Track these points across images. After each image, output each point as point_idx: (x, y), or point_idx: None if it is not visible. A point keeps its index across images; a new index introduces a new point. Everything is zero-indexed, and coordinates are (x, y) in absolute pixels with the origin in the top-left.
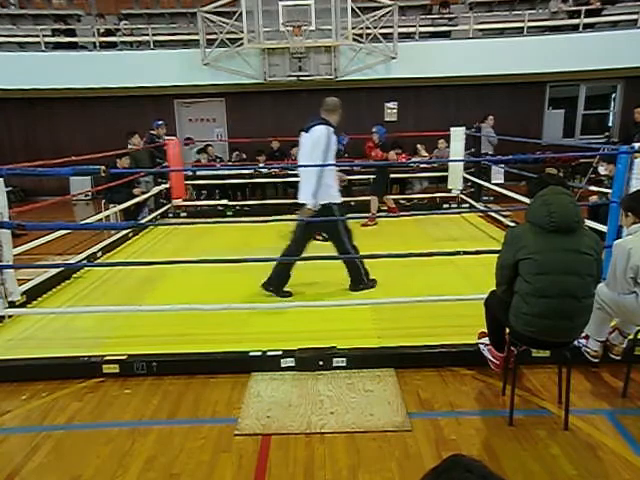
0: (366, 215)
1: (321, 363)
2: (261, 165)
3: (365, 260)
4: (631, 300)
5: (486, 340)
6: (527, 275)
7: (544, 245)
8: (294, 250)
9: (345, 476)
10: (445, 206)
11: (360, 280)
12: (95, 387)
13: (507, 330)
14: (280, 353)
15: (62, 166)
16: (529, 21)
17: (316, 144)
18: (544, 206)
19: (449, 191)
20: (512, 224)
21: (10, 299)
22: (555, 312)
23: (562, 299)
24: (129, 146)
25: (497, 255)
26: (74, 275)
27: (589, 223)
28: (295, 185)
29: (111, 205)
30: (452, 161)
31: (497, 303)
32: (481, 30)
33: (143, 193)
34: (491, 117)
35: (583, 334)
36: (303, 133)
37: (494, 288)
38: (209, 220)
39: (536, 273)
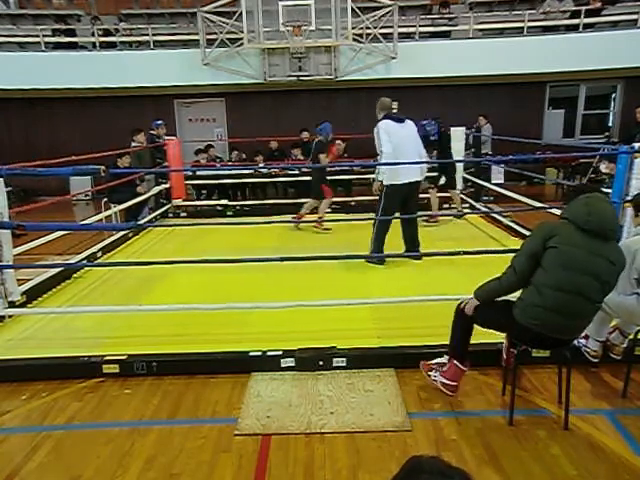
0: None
1: (321, 363)
2: (261, 165)
3: (364, 260)
4: (632, 301)
5: (439, 367)
6: (549, 266)
7: (575, 241)
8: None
9: (345, 476)
10: (445, 206)
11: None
12: (95, 387)
13: (504, 333)
14: (280, 353)
15: (62, 166)
16: (529, 21)
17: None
18: (585, 206)
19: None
20: (512, 224)
21: (10, 299)
22: (566, 308)
23: (575, 297)
24: (132, 144)
25: (519, 246)
26: (74, 275)
27: None
28: (295, 185)
29: (112, 205)
30: (452, 161)
31: (498, 299)
32: (481, 30)
33: (145, 192)
34: (481, 118)
35: (583, 334)
36: (393, 122)
37: (474, 291)
38: (209, 221)
39: (559, 264)
